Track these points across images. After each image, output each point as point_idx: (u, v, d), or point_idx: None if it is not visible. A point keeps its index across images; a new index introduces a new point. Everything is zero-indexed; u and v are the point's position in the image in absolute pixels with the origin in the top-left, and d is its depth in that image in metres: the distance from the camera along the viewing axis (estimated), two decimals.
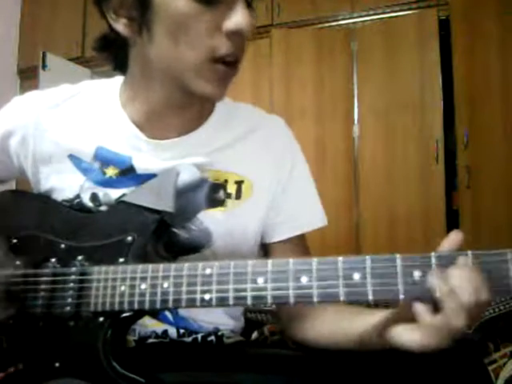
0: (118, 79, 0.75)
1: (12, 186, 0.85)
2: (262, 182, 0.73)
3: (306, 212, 0.77)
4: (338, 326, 0.67)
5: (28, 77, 3.50)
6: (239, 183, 0.72)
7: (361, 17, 2.88)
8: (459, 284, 0.47)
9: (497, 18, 2.51)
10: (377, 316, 0.59)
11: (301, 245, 0.77)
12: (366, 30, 2.85)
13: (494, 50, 2.51)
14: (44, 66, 3.20)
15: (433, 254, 0.50)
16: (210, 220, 0.70)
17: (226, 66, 0.62)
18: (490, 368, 0.95)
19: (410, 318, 0.51)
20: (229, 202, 0.72)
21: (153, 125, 0.70)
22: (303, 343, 0.73)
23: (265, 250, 0.77)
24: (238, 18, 0.59)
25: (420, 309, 0.49)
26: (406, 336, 0.50)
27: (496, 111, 2.50)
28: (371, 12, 2.86)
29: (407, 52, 2.72)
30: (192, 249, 0.69)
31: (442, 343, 0.48)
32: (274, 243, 0.76)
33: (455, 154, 2.60)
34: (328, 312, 0.70)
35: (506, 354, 1.01)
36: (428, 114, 2.65)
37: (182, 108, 0.69)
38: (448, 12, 2.64)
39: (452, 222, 2.57)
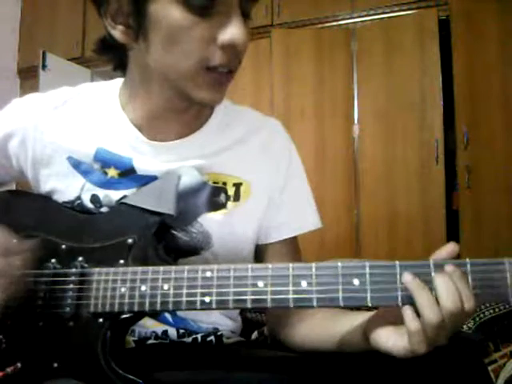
0: (118, 81, 0.75)
1: (12, 187, 0.85)
2: (260, 184, 0.74)
3: (302, 214, 0.78)
4: (322, 327, 0.68)
5: (28, 77, 3.51)
6: (237, 186, 0.72)
7: (361, 17, 2.88)
8: (442, 292, 0.48)
9: (497, 18, 2.51)
10: (360, 317, 0.60)
11: (293, 247, 0.78)
12: (366, 30, 2.85)
13: (493, 50, 2.51)
14: (44, 66, 3.20)
15: (431, 260, 0.51)
16: (210, 222, 0.70)
17: (220, 74, 0.62)
18: (489, 368, 0.95)
19: (392, 321, 0.51)
20: (228, 204, 0.72)
21: (152, 127, 0.70)
22: (289, 346, 0.74)
23: (257, 251, 0.78)
24: (233, 31, 0.59)
25: (409, 316, 0.49)
26: (392, 341, 0.52)
27: (496, 111, 2.50)
28: (371, 12, 2.85)
29: (407, 52, 2.71)
30: (192, 251, 0.70)
31: (422, 350, 0.49)
32: (268, 245, 0.76)
33: (455, 154, 2.60)
34: (316, 316, 0.71)
35: (506, 354, 1.01)
36: (428, 114, 2.64)
37: (180, 111, 0.69)
38: (448, 12, 2.63)
39: (452, 222, 2.57)
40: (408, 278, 0.50)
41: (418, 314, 0.49)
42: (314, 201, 0.80)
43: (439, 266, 0.50)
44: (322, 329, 0.68)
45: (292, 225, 0.76)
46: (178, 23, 0.58)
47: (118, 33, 0.63)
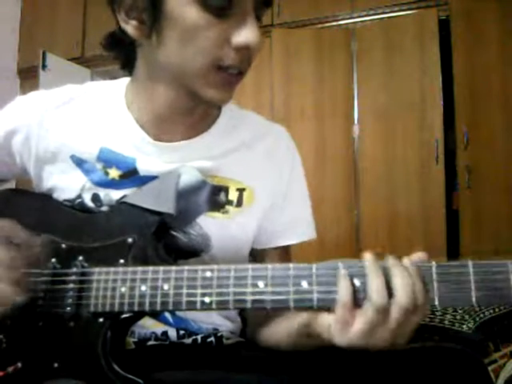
0: (124, 80, 0.75)
1: (12, 185, 0.85)
2: (263, 191, 0.74)
3: (299, 223, 0.78)
4: (285, 327, 0.67)
5: (28, 77, 3.50)
6: (241, 191, 0.72)
7: (361, 17, 2.88)
8: (397, 283, 0.49)
9: (497, 18, 2.51)
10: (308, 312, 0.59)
11: (286, 254, 0.79)
12: (366, 30, 2.85)
13: (493, 50, 2.51)
14: (44, 66, 3.20)
15: (432, 262, 0.51)
16: (210, 226, 0.71)
17: (230, 74, 0.62)
18: (489, 368, 0.95)
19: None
20: (230, 208, 0.72)
21: (158, 127, 0.70)
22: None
23: (250, 254, 0.78)
24: (247, 33, 0.59)
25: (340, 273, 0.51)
26: (337, 330, 0.51)
27: (496, 111, 2.50)
28: (371, 12, 2.85)
29: (407, 52, 2.71)
30: (191, 253, 0.70)
31: (374, 343, 0.49)
32: (260, 249, 0.77)
33: (455, 154, 2.60)
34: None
35: (506, 354, 1.01)
36: (428, 114, 2.65)
37: (186, 112, 0.69)
38: (448, 12, 2.64)
39: (452, 222, 2.57)
40: (369, 258, 0.51)
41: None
42: (311, 210, 0.80)
43: (439, 265, 0.50)
44: (284, 328, 0.67)
45: (288, 234, 0.77)
46: (195, 22, 0.58)
47: (130, 28, 0.63)
